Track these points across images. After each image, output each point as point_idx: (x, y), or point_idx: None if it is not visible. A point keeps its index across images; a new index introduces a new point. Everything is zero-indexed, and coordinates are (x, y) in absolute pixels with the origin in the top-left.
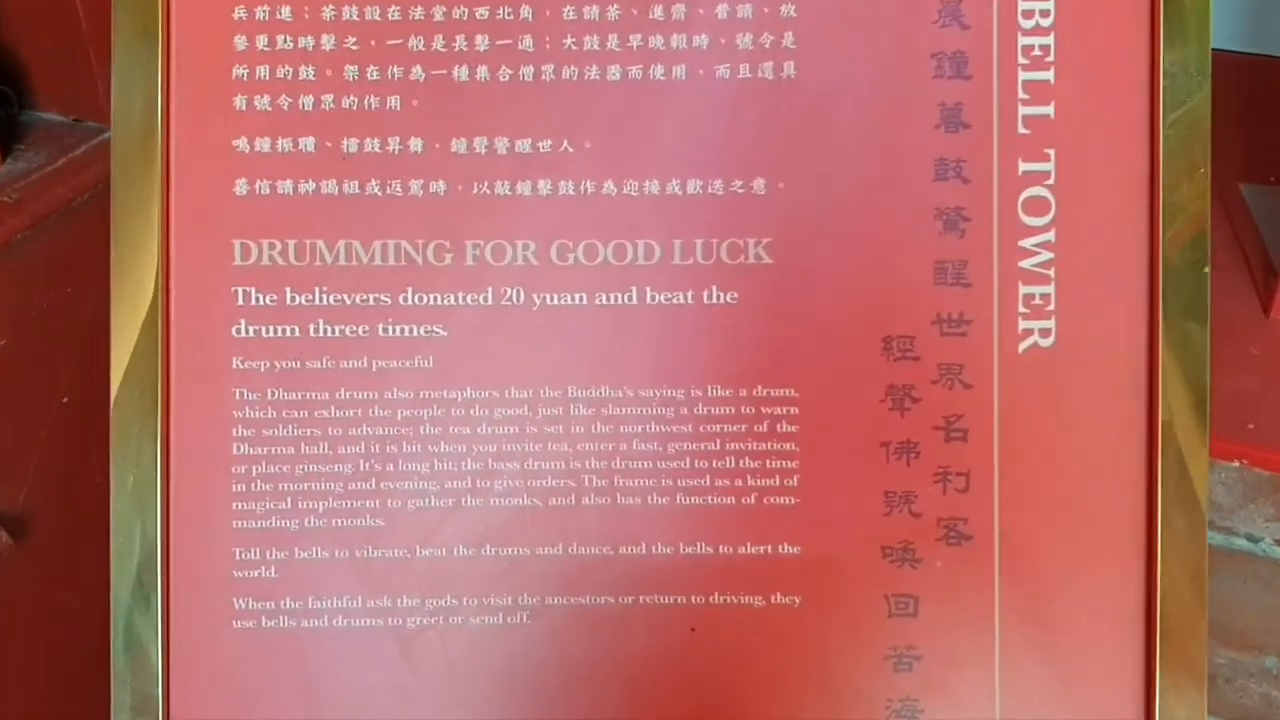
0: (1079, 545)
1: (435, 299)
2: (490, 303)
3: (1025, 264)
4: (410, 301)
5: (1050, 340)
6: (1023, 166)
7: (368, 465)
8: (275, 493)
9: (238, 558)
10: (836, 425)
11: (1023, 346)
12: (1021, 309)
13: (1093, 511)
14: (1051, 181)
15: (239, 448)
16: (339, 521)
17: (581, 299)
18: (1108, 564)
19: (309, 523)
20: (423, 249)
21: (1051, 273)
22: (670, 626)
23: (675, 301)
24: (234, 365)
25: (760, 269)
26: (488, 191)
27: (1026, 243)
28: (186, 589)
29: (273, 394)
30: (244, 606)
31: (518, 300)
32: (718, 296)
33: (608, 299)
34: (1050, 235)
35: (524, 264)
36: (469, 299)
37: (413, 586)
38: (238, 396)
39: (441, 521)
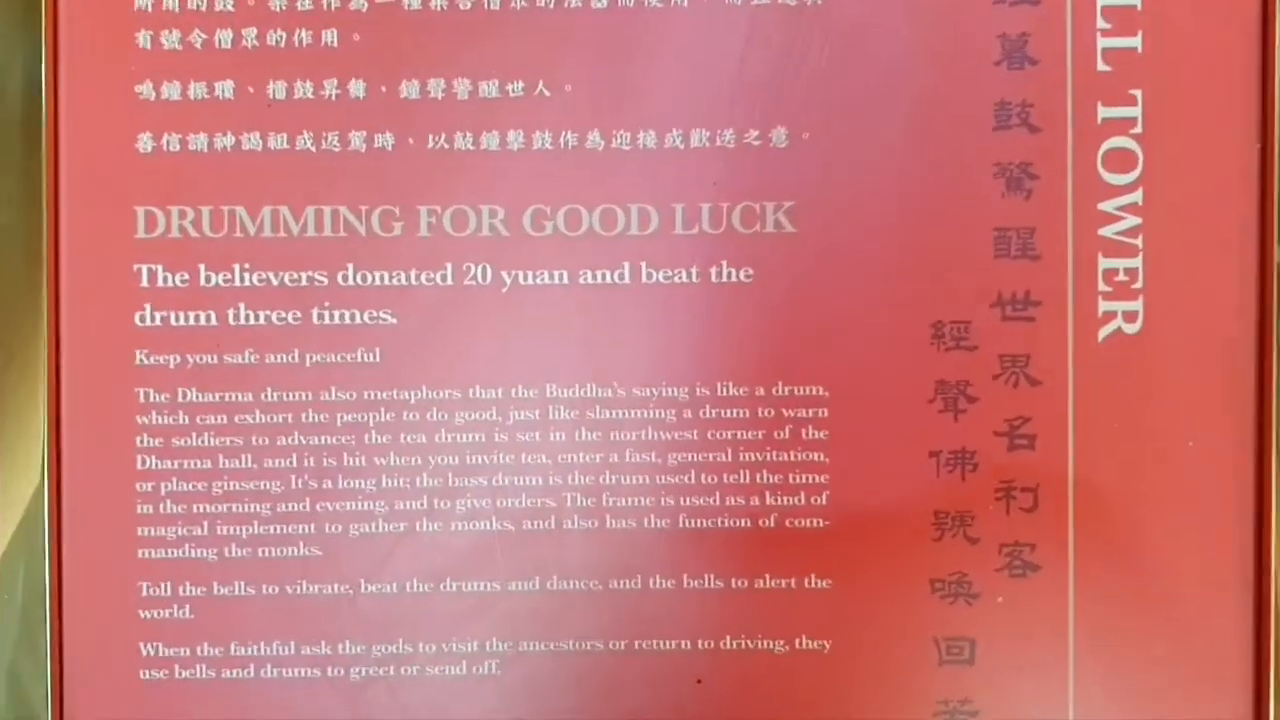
0: (1172, 578)
1: (382, 278)
2: (450, 282)
3: (1106, 231)
4: (352, 281)
5: (1137, 325)
6: (1103, 112)
7: (301, 482)
8: (189, 515)
9: (145, 594)
10: (875, 431)
11: (1103, 333)
12: (1102, 287)
13: (1188, 536)
14: (1138, 130)
15: (144, 461)
16: (266, 550)
17: (562, 277)
18: (1206, 601)
19: (230, 552)
20: (366, 216)
21: (1138, 242)
22: (672, 677)
23: (677, 280)
24: (137, 360)
25: (781, 239)
26: (445, 145)
27: (1108, 205)
28: (83, 633)
29: (185, 395)
30: (153, 653)
31: (484, 279)
32: (729, 273)
33: (594, 277)
34: (1137, 196)
35: (491, 234)
36: (424, 278)
37: (356, 630)
38: (142, 398)
39: (391, 550)
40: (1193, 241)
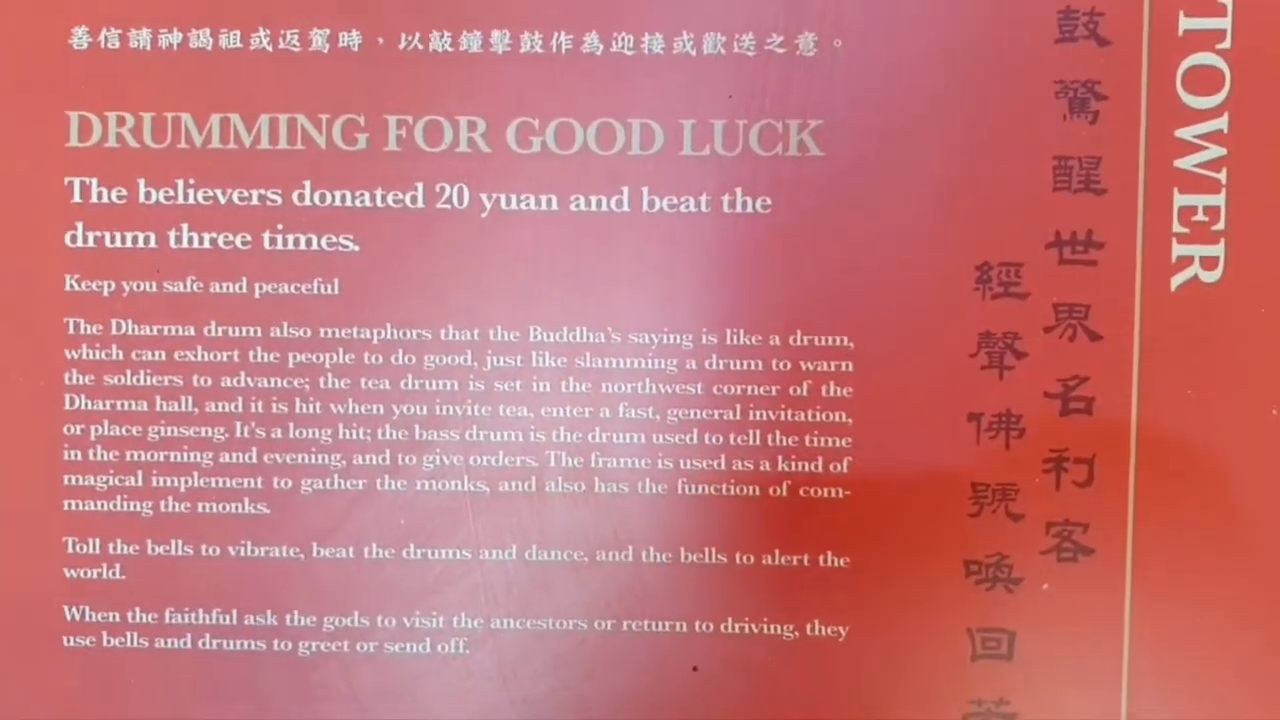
0: (1249, 566)
1: (344, 198)
2: (421, 205)
3: (1184, 163)
4: (309, 201)
5: (1216, 273)
6: (1185, 23)
7: (247, 430)
8: (122, 464)
9: (70, 551)
10: (906, 389)
11: (1177, 281)
12: (1177, 227)
13: (1272, 518)
14: (1226, 45)
15: (73, 400)
16: (207, 506)
17: (550, 202)
18: None
19: (167, 506)
20: (327, 127)
21: (1221, 176)
22: (665, 662)
23: (684, 209)
24: (67, 286)
25: (806, 165)
26: (419, 46)
27: (1186, 133)
28: None
29: (119, 327)
30: (78, 618)
31: (460, 202)
32: (744, 203)
33: (588, 203)
34: (1222, 122)
35: (469, 151)
36: (391, 199)
37: (307, 599)
38: (72, 330)
39: (348, 510)
40: None
